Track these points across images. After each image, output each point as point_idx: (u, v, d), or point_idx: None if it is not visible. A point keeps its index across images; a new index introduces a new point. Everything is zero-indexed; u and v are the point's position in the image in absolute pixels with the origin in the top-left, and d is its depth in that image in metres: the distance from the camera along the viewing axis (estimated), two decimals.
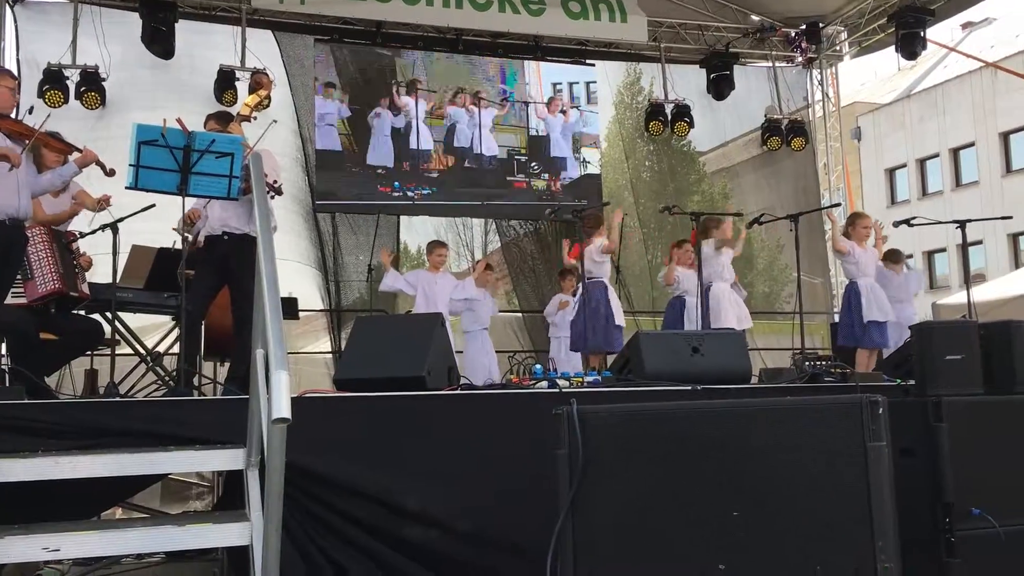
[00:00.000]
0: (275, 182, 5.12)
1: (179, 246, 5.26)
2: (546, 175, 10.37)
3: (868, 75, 34.81)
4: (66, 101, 8.57)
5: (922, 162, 29.44)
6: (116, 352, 5.62)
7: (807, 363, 5.04)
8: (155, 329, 6.91)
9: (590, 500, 2.69)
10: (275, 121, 5.15)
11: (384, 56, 10.04)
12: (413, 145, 9.91)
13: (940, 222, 7.53)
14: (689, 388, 4.08)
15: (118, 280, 5.39)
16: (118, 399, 4.38)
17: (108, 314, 5.57)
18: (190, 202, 5.00)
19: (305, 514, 3.46)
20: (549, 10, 10.07)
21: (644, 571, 2.64)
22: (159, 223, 5.53)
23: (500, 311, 9.08)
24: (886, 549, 2.49)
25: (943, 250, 27.37)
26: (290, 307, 7.14)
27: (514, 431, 3.72)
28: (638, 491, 2.69)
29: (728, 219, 7.59)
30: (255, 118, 5.45)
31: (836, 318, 8.88)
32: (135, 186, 4.54)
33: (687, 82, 11.06)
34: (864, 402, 2.59)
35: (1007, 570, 3.38)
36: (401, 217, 9.97)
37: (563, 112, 10.56)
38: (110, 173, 5.14)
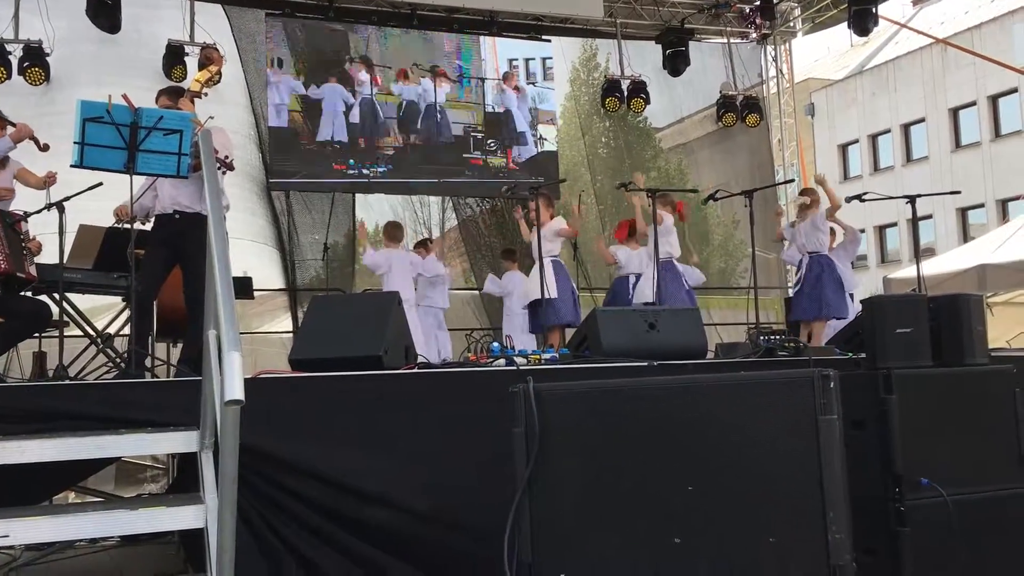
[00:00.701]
0: (227, 157, 5.03)
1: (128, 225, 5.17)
2: (502, 152, 10.34)
3: (821, 51, 35.16)
4: (9, 77, 8.35)
5: (874, 138, 29.87)
6: (65, 334, 5.52)
7: (761, 337, 5.10)
8: (105, 310, 6.80)
9: (547, 477, 2.70)
10: (211, 117, 5.05)
11: (337, 31, 9.90)
12: (367, 122, 9.81)
13: (891, 197, 7.66)
14: (646, 364, 4.11)
15: (66, 260, 5.28)
16: (68, 382, 4.31)
17: (56, 295, 5.45)
18: (138, 180, 4.90)
19: (259, 496, 3.43)
20: None
21: (600, 546, 2.66)
22: (108, 202, 5.41)
23: (457, 288, 9.08)
24: (837, 520, 2.54)
25: (894, 224, 27.85)
26: (244, 287, 7.05)
27: (472, 409, 3.71)
28: (594, 467, 2.70)
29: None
30: (206, 94, 5.35)
31: (791, 292, 9.00)
32: (80, 164, 4.44)
33: (643, 58, 11.09)
34: (816, 376, 2.62)
35: (955, 537, 3.46)
36: (357, 195, 9.88)
37: (518, 88, 10.52)
38: (44, 148, 5.03)
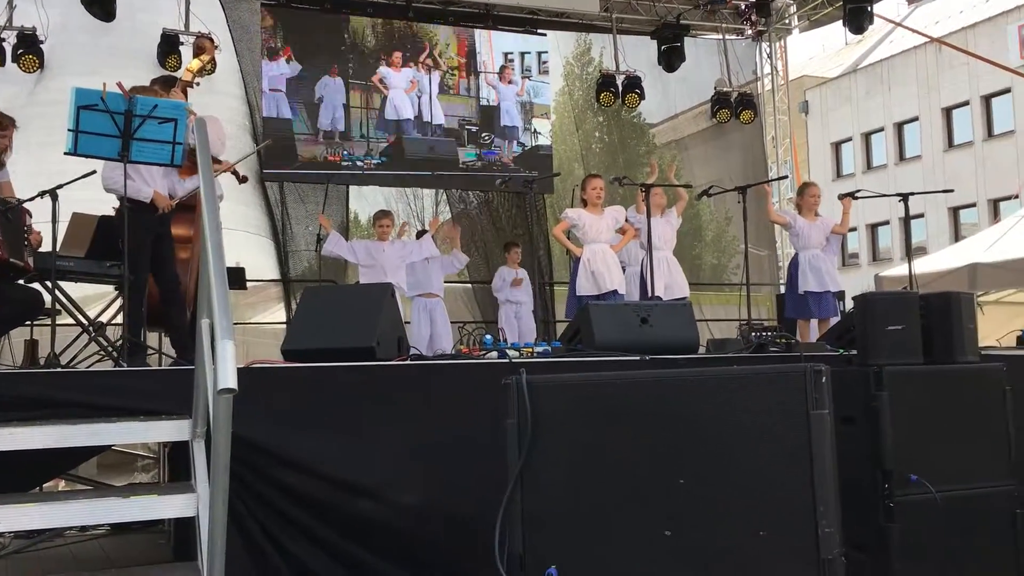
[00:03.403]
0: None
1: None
2: (497, 145, 10.33)
3: (816, 49, 35.19)
4: (3, 64, 8.30)
5: (867, 136, 29.93)
6: (57, 322, 5.49)
7: (753, 333, 5.11)
8: (98, 299, 6.77)
9: (538, 469, 2.71)
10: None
11: (333, 21, 9.87)
12: (362, 113, 9.79)
13: (884, 195, 7.68)
14: (637, 358, 4.12)
15: (59, 248, 5.26)
16: (59, 370, 4.29)
17: (48, 283, 5.43)
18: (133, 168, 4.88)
19: (246, 488, 3.41)
20: None
21: (592, 539, 2.67)
22: (101, 191, 5.40)
23: (450, 282, 9.04)
24: (827, 514, 2.55)
25: (886, 223, 27.91)
26: (237, 277, 7.04)
27: (464, 401, 3.72)
28: (586, 460, 2.71)
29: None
30: (198, 83, 5.34)
31: (782, 289, 9.03)
32: (74, 152, 4.43)
33: (638, 53, 11.07)
34: (808, 371, 2.63)
35: (943, 534, 3.48)
36: (351, 187, 9.86)
37: (513, 82, 10.51)
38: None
